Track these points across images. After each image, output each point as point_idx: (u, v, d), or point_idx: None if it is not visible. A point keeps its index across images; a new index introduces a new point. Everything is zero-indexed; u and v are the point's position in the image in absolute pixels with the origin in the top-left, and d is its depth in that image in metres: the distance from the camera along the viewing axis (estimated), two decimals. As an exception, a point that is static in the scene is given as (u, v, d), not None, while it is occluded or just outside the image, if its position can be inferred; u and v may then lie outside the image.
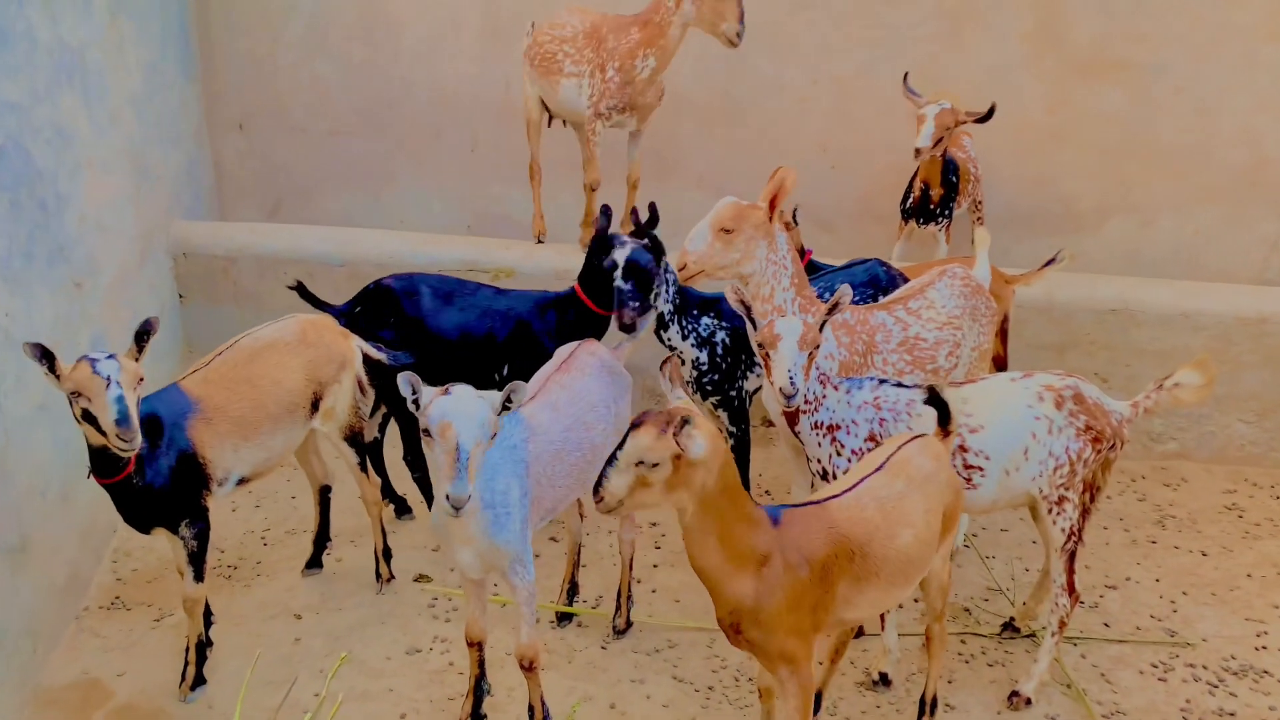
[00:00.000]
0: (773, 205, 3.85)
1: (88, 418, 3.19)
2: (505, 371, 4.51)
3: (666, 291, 4.27)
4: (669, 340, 4.36)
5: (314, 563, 4.50)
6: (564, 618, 4.23)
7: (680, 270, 3.92)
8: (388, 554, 4.41)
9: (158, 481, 3.50)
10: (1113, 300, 5.51)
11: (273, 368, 3.82)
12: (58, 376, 3.18)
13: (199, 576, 3.70)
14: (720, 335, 4.34)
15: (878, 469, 3.20)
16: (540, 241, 5.91)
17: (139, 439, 3.19)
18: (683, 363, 4.40)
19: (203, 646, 3.82)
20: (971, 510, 3.81)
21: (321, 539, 4.50)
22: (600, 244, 4.21)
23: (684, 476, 2.74)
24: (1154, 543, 4.88)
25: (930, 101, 5.35)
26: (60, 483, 4.14)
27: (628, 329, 4.11)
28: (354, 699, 3.79)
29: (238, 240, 5.94)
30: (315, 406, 3.98)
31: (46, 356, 3.15)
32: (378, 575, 4.40)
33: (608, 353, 3.88)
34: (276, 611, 4.26)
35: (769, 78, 6.80)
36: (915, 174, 5.65)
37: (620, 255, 4.11)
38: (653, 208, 4.40)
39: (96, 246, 4.75)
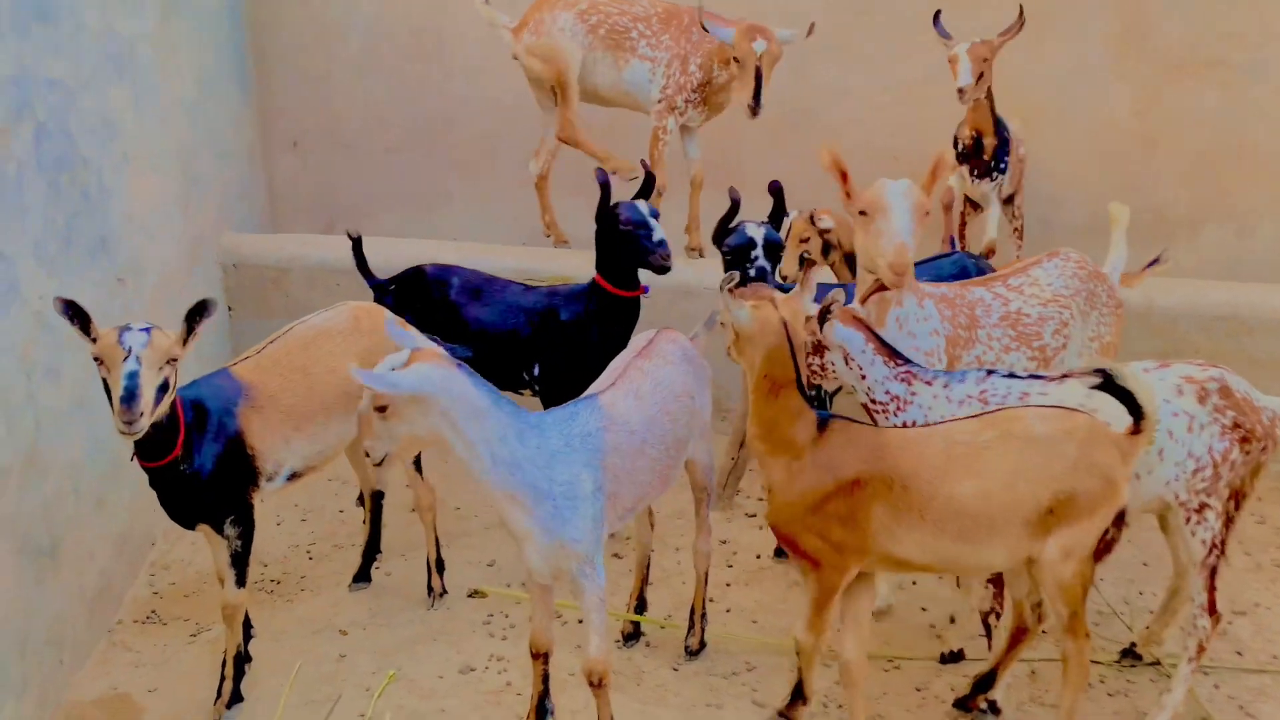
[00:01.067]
0: (933, 182, 3.43)
1: (106, 389, 2.94)
2: (535, 370, 4.25)
3: (770, 278, 3.98)
4: None
5: (362, 576, 4.19)
6: (630, 636, 3.87)
7: (899, 275, 3.29)
8: (440, 566, 4.09)
9: (205, 469, 3.23)
10: (1220, 306, 5.09)
11: (327, 355, 3.56)
12: (93, 340, 2.93)
13: (241, 581, 3.41)
14: None
15: (975, 415, 3.07)
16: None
17: (144, 423, 2.91)
18: None
19: (241, 660, 3.52)
20: None
21: (371, 550, 4.20)
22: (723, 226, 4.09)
23: (739, 344, 3.07)
24: (1280, 566, 4.41)
25: (960, 41, 4.92)
26: (95, 485, 3.89)
27: None
28: (402, 718, 3.45)
29: (288, 251, 5.75)
30: None
31: (78, 315, 2.91)
32: (429, 589, 4.08)
33: (687, 341, 3.56)
34: (321, 627, 3.94)
35: (836, 84, 6.53)
36: (962, 123, 5.18)
37: (758, 235, 3.95)
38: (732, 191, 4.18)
39: (142, 246, 4.55)
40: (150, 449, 3.10)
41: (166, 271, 4.83)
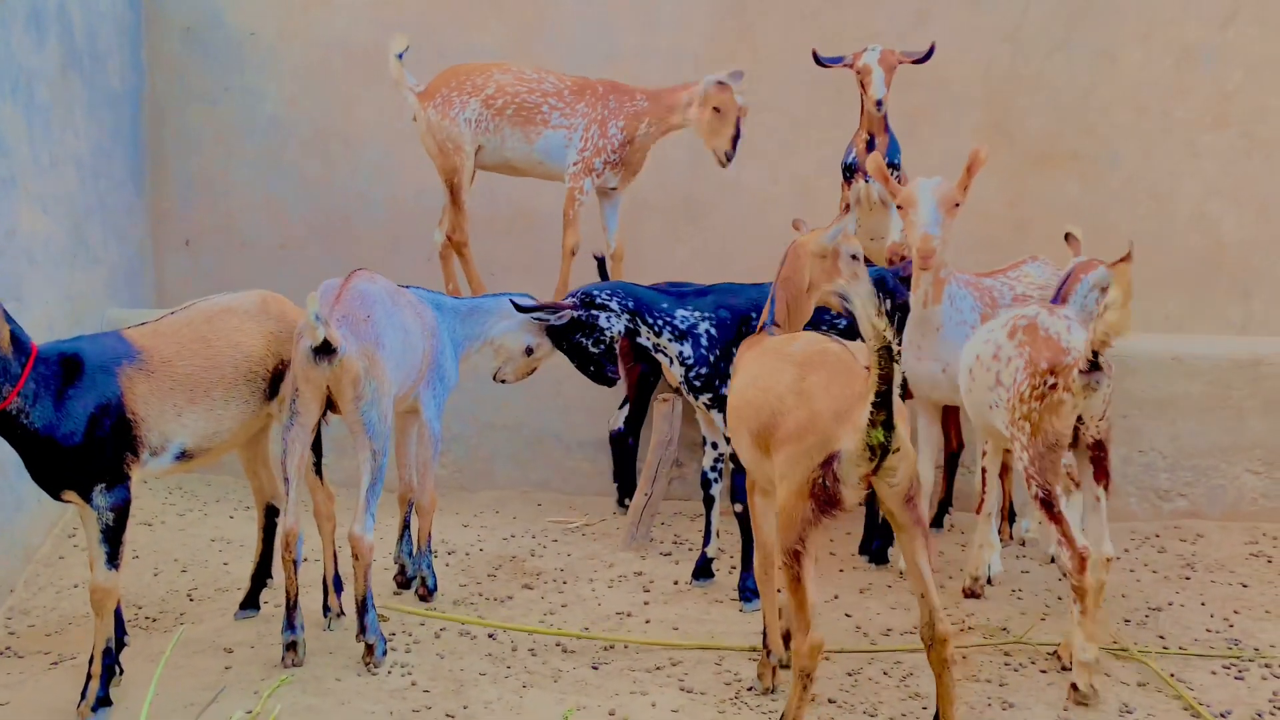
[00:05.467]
0: (968, 178, 3.94)
1: None
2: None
3: (611, 316, 4.04)
4: (648, 343, 4.07)
5: (249, 603, 3.85)
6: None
7: (925, 258, 3.86)
8: (338, 584, 3.80)
9: (63, 428, 2.97)
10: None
11: (231, 331, 3.42)
12: None
13: (113, 560, 3.09)
14: (704, 326, 4.04)
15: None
16: None
17: None
18: (668, 362, 4.07)
19: (111, 656, 3.14)
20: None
21: (261, 574, 3.87)
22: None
23: None
24: (1188, 579, 4.44)
25: (861, 51, 5.08)
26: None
27: (610, 381, 4.25)
28: (296, 713, 3.10)
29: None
30: (274, 390, 3.52)
31: None
32: (325, 609, 3.76)
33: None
34: (203, 648, 3.58)
35: (730, 179, 6.83)
36: (855, 132, 5.34)
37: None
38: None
39: (24, 273, 4.37)
40: None
41: (48, 312, 4.61)
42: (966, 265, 6.35)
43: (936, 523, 4.99)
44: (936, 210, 3.78)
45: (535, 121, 5.35)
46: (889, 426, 2.59)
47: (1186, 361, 5.26)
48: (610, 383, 4.23)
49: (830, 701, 3.26)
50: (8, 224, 4.19)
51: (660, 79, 6.69)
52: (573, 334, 4.08)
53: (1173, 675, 3.46)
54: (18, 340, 2.94)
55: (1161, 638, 3.80)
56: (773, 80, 6.74)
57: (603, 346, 4.10)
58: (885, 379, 2.53)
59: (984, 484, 4.11)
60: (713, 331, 4.03)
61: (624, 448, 5.23)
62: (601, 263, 5.40)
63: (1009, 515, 4.94)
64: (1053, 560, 4.57)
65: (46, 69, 4.70)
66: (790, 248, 3.40)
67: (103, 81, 5.66)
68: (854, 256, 3.36)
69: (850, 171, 5.51)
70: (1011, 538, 4.87)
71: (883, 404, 2.56)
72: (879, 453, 2.62)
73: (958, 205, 3.86)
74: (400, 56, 5.43)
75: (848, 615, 3.93)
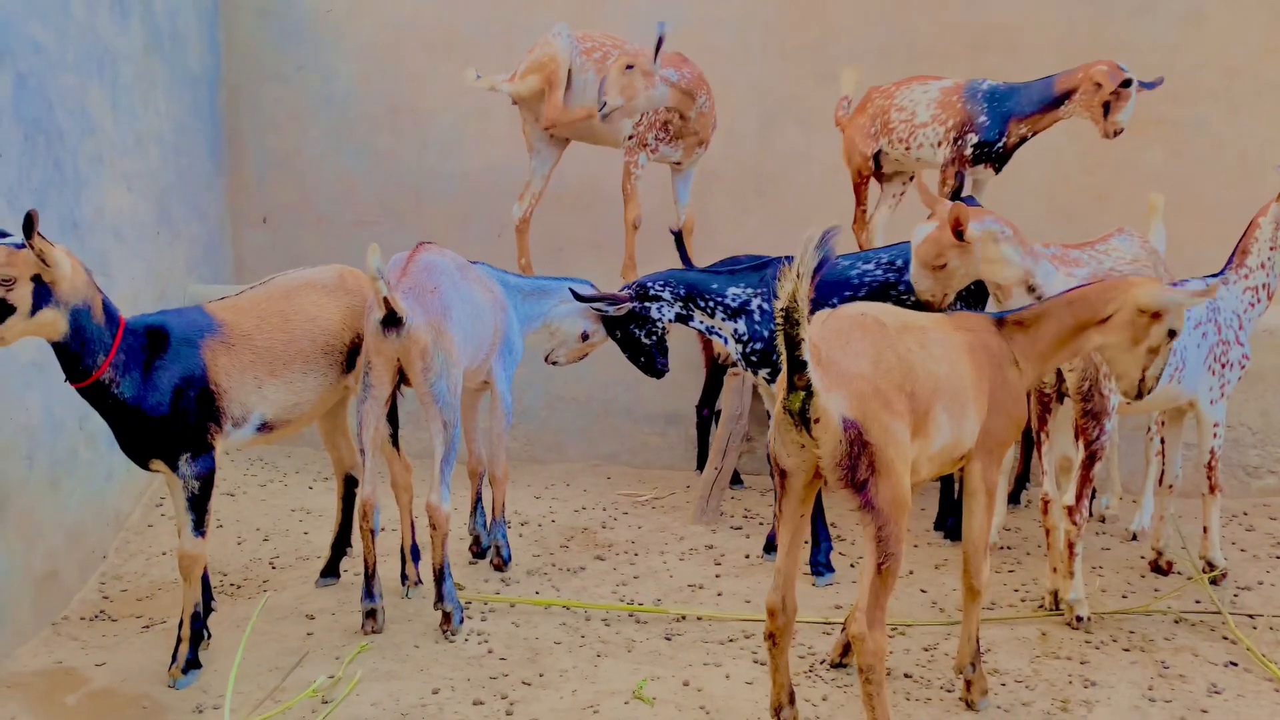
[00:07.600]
0: (957, 231, 3.42)
1: None
2: None
3: (663, 306, 4.04)
4: (703, 327, 4.04)
5: (330, 571, 3.94)
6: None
7: (930, 307, 3.55)
8: (415, 554, 3.86)
9: (150, 399, 3.06)
10: (1188, 320, 5.16)
11: (310, 305, 3.48)
12: None
13: (199, 527, 3.18)
14: (756, 303, 4.00)
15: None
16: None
17: None
18: (725, 340, 4.05)
19: (199, 620, 3.23)
20: None
21: (341, 542, 3.95)
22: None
23: None
24: (1278, 558, 4.31)
25: (1126, 75, 4.83)
26: (49, 461, 3.68)
27: (659, 373, 4.22)
28: (377, 679, 3.16)
29: (257, 294, 5.66)
30: (351, 363, 3.58)
31: None
32: (403, 577, 3.83)
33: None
34: (286, 614, 3.67)
35: (799, 150, 6.77)
36: (1010, 119, 5.21)
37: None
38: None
39: (111, 248, 4.49)
40: (66, 366, 2.96)
41: (134, 287, 4.74)
42: (1047, 238, 6.25)
43: (1014, 499, 4.91)
44: (921, 269, 3.52)
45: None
46: (809, 392, 2.41)
47: (1277, 334, 5.08)
48: (659, 374, 4.20)
49: (906, 676, 3.23)
50: (96, 202, 4.30)
51: (728, 48, 6.65)
52: (626, 324, 4.10)
53: (1264, 656, 3.36)
54: (108, 313, 3.02)
55: (1250, 617, 3.69)
56: (842, 49, 6.64)
57: (654, 338, 4.12)
58: (791, 342, 2.35)
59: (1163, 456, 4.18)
60: (765, 306, 3.99)
61: (701, 420, 5.26)
62: (679, 237, 5.30)
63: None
64: (1134, 538, 4.48)
65: (131, 50, 4.81)
66: (1117, 280, 3.01)
67: (182, 62, 5.77)
68: (1172, 333, 2.97)
69: (996, 154, 5.29)
70: (1091, 514, 4.77)
71: (799, 368, 2.38)
72: (799, 420, 2.46)
73: (944, 266, 3.47)
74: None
75: (923, 591, 3.89)
